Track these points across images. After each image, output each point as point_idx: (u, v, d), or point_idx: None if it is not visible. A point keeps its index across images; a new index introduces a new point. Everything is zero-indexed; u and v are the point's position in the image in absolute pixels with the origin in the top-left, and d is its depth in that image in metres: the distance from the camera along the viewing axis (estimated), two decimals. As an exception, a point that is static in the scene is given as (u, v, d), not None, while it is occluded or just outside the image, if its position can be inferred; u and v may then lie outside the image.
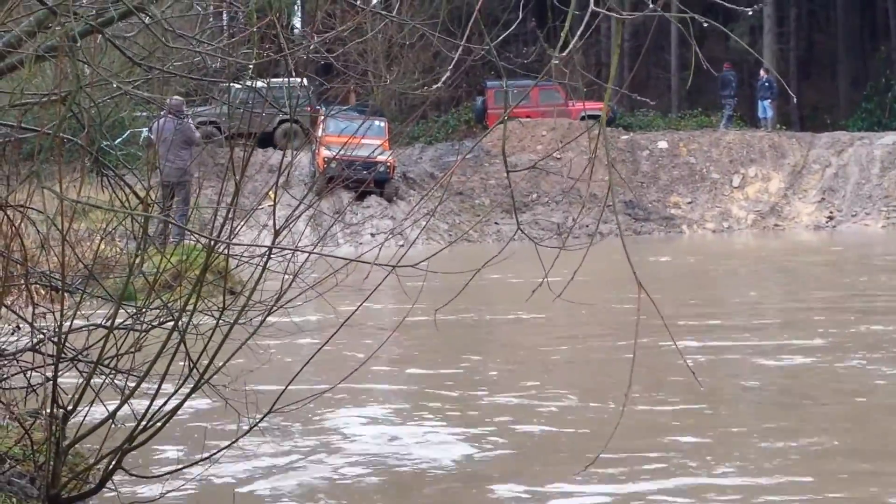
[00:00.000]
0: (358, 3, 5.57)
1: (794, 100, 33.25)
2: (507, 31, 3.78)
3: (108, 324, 4.21)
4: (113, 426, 4.23)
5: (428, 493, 5.31)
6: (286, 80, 4.63)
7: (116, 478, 4.37)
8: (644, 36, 35.43)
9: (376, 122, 25.25)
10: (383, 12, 5.50)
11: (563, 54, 2.92)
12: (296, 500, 5.10)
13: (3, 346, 4.84)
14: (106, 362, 4.30)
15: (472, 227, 25.13)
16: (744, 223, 27.54)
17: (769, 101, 31.06)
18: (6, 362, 4.72)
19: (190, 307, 4.11)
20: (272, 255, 4.19)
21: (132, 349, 4.38)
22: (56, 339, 4.19)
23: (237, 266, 4.71)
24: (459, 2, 20.16)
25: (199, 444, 4.74)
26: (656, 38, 37.55)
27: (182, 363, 4.15)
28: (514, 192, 25.36)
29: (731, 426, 6.46)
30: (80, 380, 4.27)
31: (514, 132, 27.96)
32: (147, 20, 4.53)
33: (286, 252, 4.21)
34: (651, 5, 2.97)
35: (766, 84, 30.81)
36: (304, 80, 5.60)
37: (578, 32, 2.87)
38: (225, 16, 7.95)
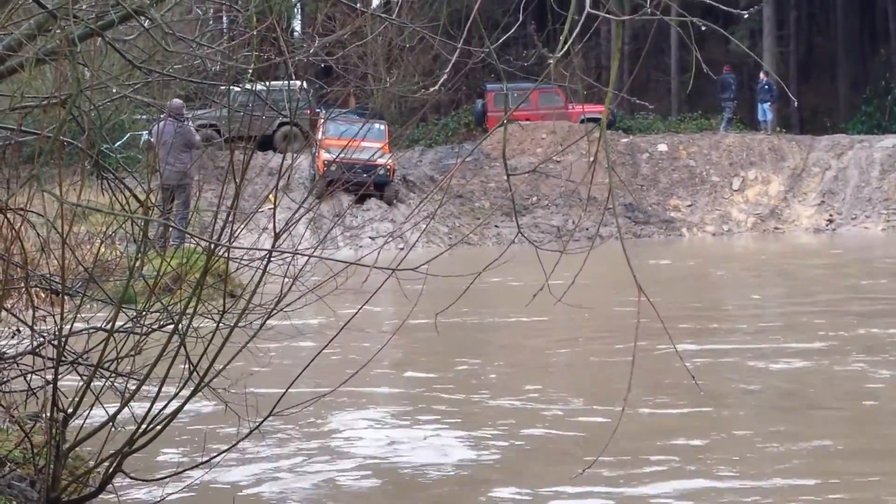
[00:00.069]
0: (358, 6, 5.58)
1: (795, 103, 33.24)
2: (507, 34, 3.78)
3: (109, 327, 4.21)
4: (113, 429, 4.23)
5: (429, 497, 5.31)
6: (286, 83, 4.64)
7: (116, 481, 4.37)
8: (644, 39, 35.45)
9: (376, 125, 25.25)
10: (383, 15, 5.51)
11: (558, 56, 2.92)
12: (296, 504, 5.11)
13: (4, 350, 4.84)
14: (106, 365, 4.29)
15: (473, 230, 25.13)
16: (743, 226, 27.54)
17: (769, 103, 31.07)
18: (6, 365, 4.72)
19: (190, 310, 4.11)
20: (272, 259, 4.19)
21: (132, 352, 4.38)
22: (56, 343, 4.19)
23: (237, 269, 4.71)
24: (459, 4, 20.18)
25: (199, 448, 4.74)
26: (656, 41, 37.56)
27: (182, 366, 4.15)
28: (514, 196, 25.34)
29: (733, 429, 6.46)
30: (81, 383, 4.27)
31: (514, 135, 27.97)
32: (147, 24, 4.53)
33: (286, 255, 4.21)
34: (648, 9, 2.97)
35: (766, 87, 30.82)
36: (304, 84, 5.60)
37: (575, 32, 2.87)
38: (225, 19, 7.95)
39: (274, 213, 4.22)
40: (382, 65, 29.04)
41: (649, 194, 28.27)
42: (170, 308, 4.40)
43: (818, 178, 28.34)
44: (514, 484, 5.34)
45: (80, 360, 4.48)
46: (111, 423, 4.22)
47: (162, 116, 10.62)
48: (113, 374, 4.40)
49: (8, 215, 4.07)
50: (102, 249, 4.68)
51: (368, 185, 24.34)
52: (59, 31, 4.04)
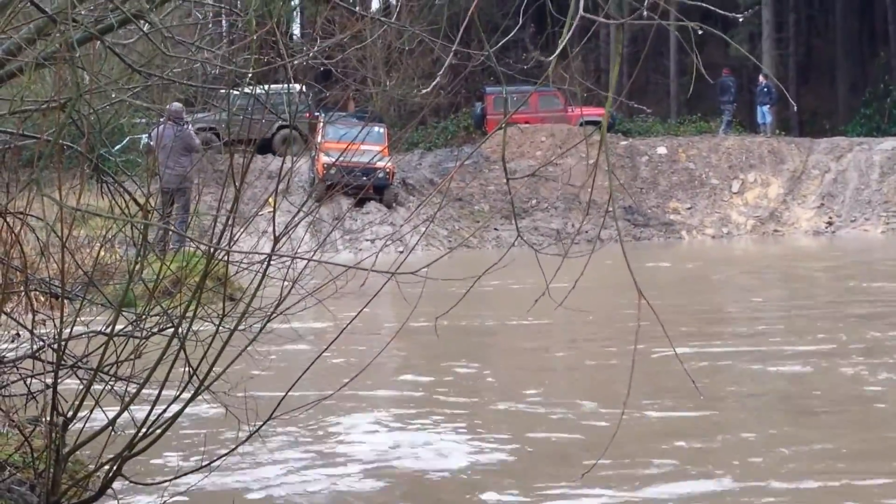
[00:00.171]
0: (357, 10, 5.58)
1: (794, 107, 33.26)
2: (507, 38, 3.79)
3: (108, 330, 4.21)
4: (113, 433, 4.23)
5: (430, 500, 5.31)
6: (285, 86, 4.64)
7: (116, 485, 4.37)
8: (643, 42, 35.44)
9: (375, 128, 25.27)
10: (383, 19, 5.50)
11: (552, 59, 2.92)
12: (296, 507, 5.10)
13: (3, 353, 4.83)
14: (106, 369, 4.29)
15: (472, 233, 25.13)
16: (743, 229, 27.55)
17: (768, 106, 31.10)
18: (6, 369, 4.72)
19: (190, 314, 4.11)
20: (272, 262, 4.19)
21: (132, 356, 4.38)
22: (56, 346, 4.19)
23: (237, 273, 4.71)
24: (459, 7, 20.18)
25: (199, 451, 4.74)
26: (655, 44, 37.58)
27: (182, 370, 4.15)
28: (514, 199, 25.36)
29: (734, 432, 6.45)
30: (81, 387, 4.27)
31: (514, 138, 27.98)
32: (146, 27, 4.53)
33: (285, 259, 4.21)
34: (645, 12, 2.97)
35: (765, 89, 30.84)
36: (303, 87, 5.60)
37: (570, 33, 2.87)
38: (224, 23, 7.96)
39: (273, 217, 4.22)
40: (382, 68, 29.07)
41: (649, 197, 28.28)
42: (169, 311, 4.40)
43: (817, 181, 28.35)
44: (515, 487, 5.33)
45: (79, 363, 4.48)
46: (111, 427, 4.22)
47: (161, 120, 10.62)
48: (113, 378, 4.40)
49: (7, 219, 4.07)
50: (102, 253, 4.68)
51: (368, 188, 24.36)
52: (58, 35, 4.04)
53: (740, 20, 3.84)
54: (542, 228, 26.17)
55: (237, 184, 4.02)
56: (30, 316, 4.69)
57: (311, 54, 5.31)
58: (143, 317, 4.44)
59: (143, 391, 4.19)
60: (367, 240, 24.67)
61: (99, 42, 4.24)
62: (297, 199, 17.25)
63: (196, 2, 5.68)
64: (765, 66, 32.27)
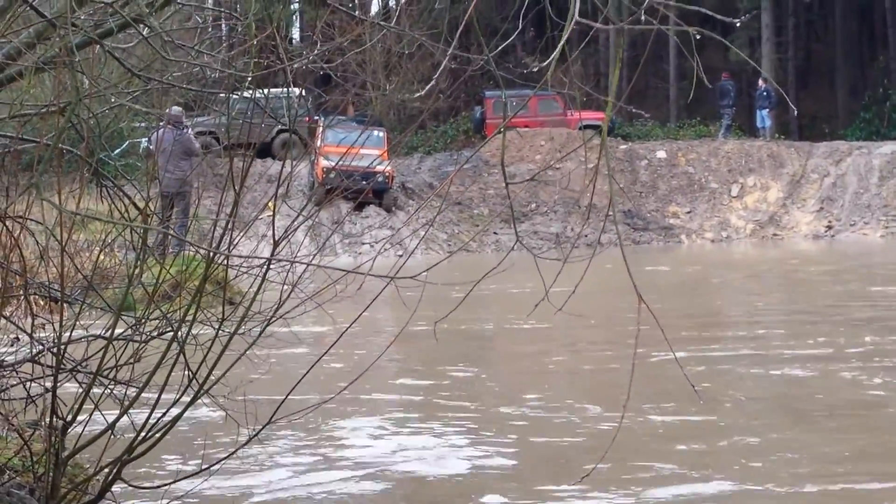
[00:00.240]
0: (357, 13, 5.58)
1: (795, 112, 33.28)
2: (506, 42, 3.79)
3: (108, 334, 4.21)
4: (112, 437, 4.23)
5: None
6: (285, 90, 4.64)
7: (116, 489, 4.37)
8: (642, 46, 35.46)
9: (375, 132, 25.28)
10: (382, 23, 5.51)
11: (548, 61, 2.93)
12: (295, 511, 5.10)
13: (3, 357, 4.83)
14: (105, 373, 4.29)
15: (472, 237, 25.13)
16: (742, 233, 27.55)
17: (767, 110, 31.11)
18: (5, 373, 4.72)
19: (189, 317, 4.11)
20: (271, 266, 4.19)
21: (131, 360, 4.37)
22: (55, 350, 4.19)
23: (236, 276, 4.71)
24: (459, 12, 20.19)
25: (198, 455, 4.74)
26: (654, 48, 37.60)
27: (182, 373, 4.15)
28: (513, 203, 25.34)
29: (734, 436, 6.45)
30: (80, 390, 4.27)
31: (513, 142, 27.99)
32: (146, 32, 4.54)
33: (285, 262, 4.21)
34: (645, 16, 2.97)
35: (765, 94, 30.85)
36: (303, 91, 5.61)
37: (567, 35, 2.87)
38: (224, 27, 7.96)
39: (273, 221, 4.22)
40: (381, 72, 29.09)
41: (648, 201, 28.28)
42: (169, 315, 4.40)
43: (817, 185, 28.36)
44: (516, 490, 5.34)
45: (79, 367, 4.48)
46: (110, 431, 4.21)
47: (161, 124, 10.63)
48: (112, 382, 4.39)
49: (7, 223, 4.07)
50: (101, 257, 4.68)
51: (367, 192, 24.36)
52: (58, 39, 4.05)
53: (737, 24, 3.85)
54: (542, 232, 26.18)
55: (237, 188, 4.02)
56: (29, 320, 4.69)
57: (310, 58, 5.31)
58: (143, 321, 4.43)
59: (143, 395, 4.19)
60: (367, 243, 24.67)
61: (98, 46, 4.25)
62: (297, 203, 17.26)
63: (196, 6, 5.69)
64: (764, 70, 32.31)
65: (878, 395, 7.56)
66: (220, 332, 4.20)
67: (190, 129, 14.53)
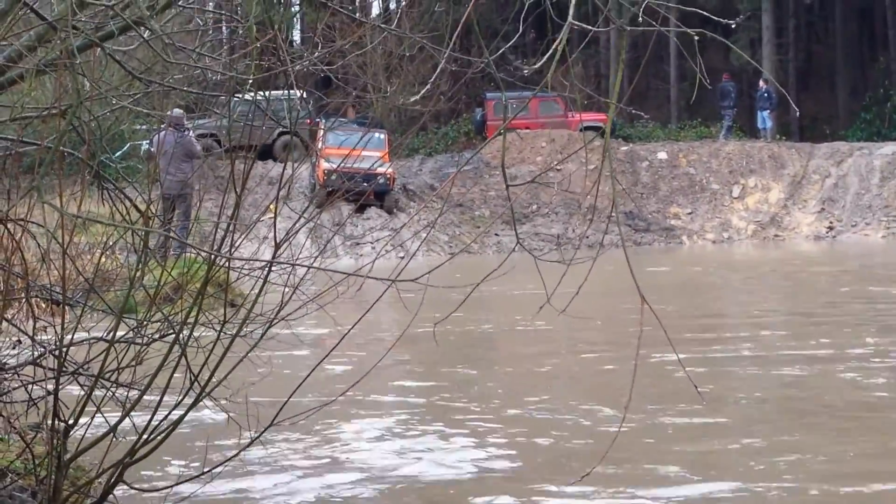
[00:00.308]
0: (358, 16, 5.59)
1: (797, 112, 33.28)
2: (507, 45, 3.79)
3: (109, 337, 4.20)
4: (114, 440, 4.23)
5: (430, 506, 5.30)
6: (286, 92, 4.64)
7: (118, 491, 4.37)
8: (643, 47, 35.48)
9: (376, 134, 25.29)
10: (383, 25, 5.51)
11: (541, 65, 2.93)
12: (297, 514, 5.10)
13: (5, 360, 4.83)
14: (107, 375, 4.29)
15: (474, 239, 25.13)
16: (744, 233, 27.55)
17: (768, 111, 31.11)
18: (7, 376, 4.72)
19: (191, 320, 4.11)
20: (273, 268, 4.19)
21: (133, 362, 4.37)
22: (57, 353, 4.19)
23: (238, 279, 4.71)
24: (460, 15, 20.19)
25: (200, 458, 4.73)
26: (655, 49, 37.61)
27: (183, 376, 4.15)
28: (514, 204, 25.33)
29: (736, 436, 6.45)
30: (82, 393, 4.27)
31: (514, 144, 28.00)
32: (147, 34, 4.54)
33: (286, 265, 4.21)
34: (644, 18, 2.97)
35: (766, 95, 30.86)
36: (304, 93, 5.60)
37: (565, 36, 2.87)
38: (225, 29, 7.97)
39: (274, 223, 4.22)
40: (382, 75, 29.09)
41: (649, 202, 28.28)
42: (170, 318, 4.40)
43: (818, 186, 28.36)
44: (517, 492, 5.33)
45: (80, 370, 4.48)
46: (112, 434, 4.21)
47: (162, 126, 10.64)
48: (114, 385, 4.39)
49: (8, 226, 4.07)
50: (103, 260, 4.68)
51: (368, 194, 24.36)
52: (59, 42, 4.05)
53: (733, 26, 3.86)
54: (543, 234, 26.18)
55: (238, 190, 4.02)
56: (31, 322, 4.69)
57: (311, 61, 5.31)
58: (145, 323, 4.43)
59: (145, 398, 4.19)
60: (369, 246, 24.67)
61: (99, 49, 4.25)
62: (298, 206, 17.26)
63: (197, 8, 5.69)
64: (765, 71, 32.31)
65: (881, 396, 7.55)
66: (222, 334, 4.20)
67: (191, 132, 14.53)
